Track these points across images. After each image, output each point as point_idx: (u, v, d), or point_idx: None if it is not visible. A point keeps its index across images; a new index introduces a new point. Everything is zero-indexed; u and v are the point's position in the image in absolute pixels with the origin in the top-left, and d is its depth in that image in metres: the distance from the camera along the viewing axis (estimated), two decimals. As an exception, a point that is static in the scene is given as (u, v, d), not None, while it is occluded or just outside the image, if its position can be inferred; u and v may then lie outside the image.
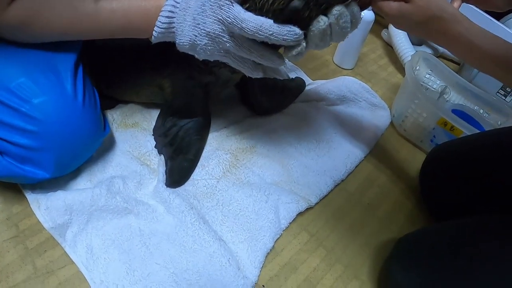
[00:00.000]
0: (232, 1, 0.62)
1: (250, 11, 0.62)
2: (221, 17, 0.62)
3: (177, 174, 0.84)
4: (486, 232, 0.70)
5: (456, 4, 0.75)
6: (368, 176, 0.99)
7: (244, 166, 0.90)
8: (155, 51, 0.72)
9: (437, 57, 1.49)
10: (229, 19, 0.61)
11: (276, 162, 0.92)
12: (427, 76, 1.23)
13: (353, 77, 1.28)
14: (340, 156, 0.98)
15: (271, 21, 0.60)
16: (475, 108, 1.19)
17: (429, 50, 1.47)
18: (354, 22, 0.64)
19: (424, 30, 0.68)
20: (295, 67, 1.24)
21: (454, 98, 1.21)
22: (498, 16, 1.35)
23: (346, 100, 1.14)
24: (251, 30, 0.60)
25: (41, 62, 0.72)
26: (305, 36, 0.62)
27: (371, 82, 1.30)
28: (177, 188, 0.83)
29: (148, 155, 0.89)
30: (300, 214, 0.86)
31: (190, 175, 0.86)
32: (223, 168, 0.88)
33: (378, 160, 1.04)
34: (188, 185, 0.85)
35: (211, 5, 0.63)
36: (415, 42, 1.44)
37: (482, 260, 0.64)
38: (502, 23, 1.35)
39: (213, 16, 0.63)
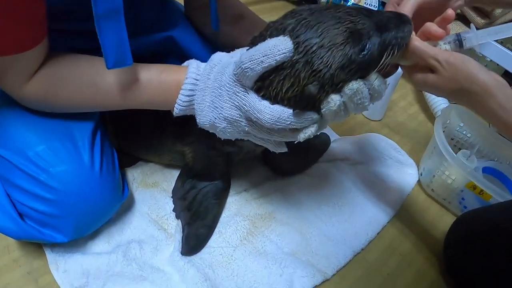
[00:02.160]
0: (247, 88, 0.61)
1: (265, 99, 0.61)
2: (237, 104, 0.62)
3: (194, 241, 0.84)
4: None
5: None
6: (391, 243, 0.96)
7: (261, 234, 0.89)
8: (178, 120, 0.72)
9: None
10: (245, 107, 0.61)
11: (295, 230, 0.91)
12: (458, 129, 1.19)
13: (381, 128, 1.25)
14: (362, 222, 0.96)
15: (288, 112, 0.59)
16: (508, 163, 1.15)
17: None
18: (377, 96, 0.61)
19: (456, 100, 0.63)
20: (320, 122, 1.21)
21: (486, 151, 1.16)
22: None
23: (371, 158, 1.11)
24: (268, 122, 0.60)
25: (59, 129, 0.73)
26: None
27: (400, 135, 1.27)
28: (192, 256, 0.83)
29: (166, 218, 0.89)
30: (316, 286, 0.83)
31: (207, 242, 0.85)
32: (240, 236, 0.87)
33: (402, 224, 1.00)
34: (204, 253, 0.84)
35: (227, 90, 0.63)
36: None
37: None
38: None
39: (229, 101, 0.63)
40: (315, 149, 1.08)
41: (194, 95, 0.67)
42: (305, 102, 0.59)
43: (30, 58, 0.62)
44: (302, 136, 0.61)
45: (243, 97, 0.61)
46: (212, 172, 0.90)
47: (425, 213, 1.05)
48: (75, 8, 0.69)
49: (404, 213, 1.03)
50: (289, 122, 0.60)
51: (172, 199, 0.91)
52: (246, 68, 0.58)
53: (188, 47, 0.91)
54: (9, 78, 0.64)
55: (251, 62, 0.57)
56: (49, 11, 0.61)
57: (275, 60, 0.56)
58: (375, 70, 0.59)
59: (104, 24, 0.58)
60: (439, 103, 1.28)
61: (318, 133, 1.10)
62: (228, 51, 0.69)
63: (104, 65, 0.64)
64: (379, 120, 1.31)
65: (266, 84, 0.60)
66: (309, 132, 0.61)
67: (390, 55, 0.59)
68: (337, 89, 0.58)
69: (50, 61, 0.66)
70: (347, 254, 0.89)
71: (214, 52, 0.71)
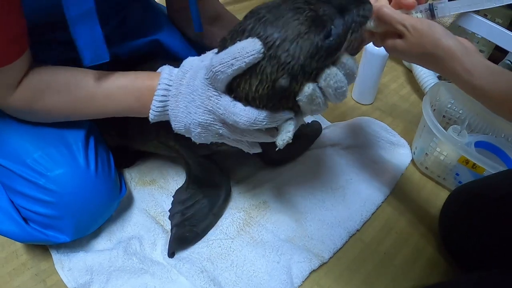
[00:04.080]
0: (220, 92, 0.62)
1: (237, 100, 0.61)
2: (211, 108, 0.63)
3: (176, 244, 0.84)
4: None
5: None
6: (386, 222, 0.97)
7: (257, 223, 0.91)
8: (158, 125, 0.73)
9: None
10: (219, 111, 0.62)
11: (290, 217, 0.93)
12: (449, 106, 1.19)
13: (372, 112, 1.26)
14: (356, 204, 0.97)
15: (263, 114, 0.60)
16: (502, 135, 1.15)
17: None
18: (351, 74, 0.60)
19: (424, 65, 0.66)
20: (311, 109, 1.22)
21: (480, 126, 1.17)
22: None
23: (363, 141, 1.12)
24: (244, 124, 0.60)
25: (53, 136, 0.77)
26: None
27: (392, 116, 1.27)
28: (189, 250, 0.85)
29: (162, 215, 0.92)
30: (313, 270, 0.85)
31: (189, 246, 0.86)
32: (237, 227, 0.90)
33: (397, 202, 1.02)
34: (202, 247, 0.86)
35: (200, 95, 0.64)
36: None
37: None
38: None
39: (203, 106, 0.64)
40: (307, 137, 1.09)
41: (168, 100, 0.68)
42: (278, 96, 0.59)
43: (13, 70, 0.65)
44: (281, 144, 0.61)
45: (217, 100, 0.62)
46: (209, 176, 0.92)
47: (421, 191, 1.06)
48: (55, 19, 0.72)
49: (399, 193, 1.04)
50: (264, 123, 0.60)
51: (172, 197, 0.93)
52: (217, 72, 0.58)
53: (174, 49, 0.92)
54: None
55: (222, 65, 0.58)
56: (31, 24, 0.64)
57: (245, 62, 0.56)
58: (342, 50, 0.60)
59: (78, 25, 0.61)
60: (428, 82, 1.28)
61: (305, 123, 1.11)
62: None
63: (83, 74, 0.69)
64: (370, 104, 1.32)
65: (234, 85, 0.60)
66: (286, 137, 0.61)
67: (353, 34, 0.60)
68: (311, 78, 0.58)
69: (33, 72, 0.69)
70: (342, 236, 0.91)
71: (198, 52, 0.72)
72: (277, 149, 0.62)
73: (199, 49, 0.92)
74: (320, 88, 0.59)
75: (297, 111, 0.62)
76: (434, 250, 0.93)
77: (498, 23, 1.30)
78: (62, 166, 0.74)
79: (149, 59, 0.93)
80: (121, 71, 0.73)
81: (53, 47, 0.78)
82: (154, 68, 0.72)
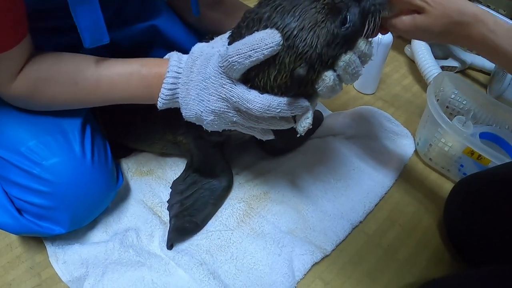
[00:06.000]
0: (234, 80, 0.61)
1: (253, 89, 0.61)
2: (224, 96, 0.62)
3: (176, 234, 0.83)
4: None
5: None
6: (390, 214, 0.95)
7: (258, 214, 0.89)
8: (167, 111, 0.72)
9: (465, 69, 1.43)
10: (233, 98, 0.61)
11: (291, 208, 0.90)
12: (453, 96, 1.17)
13: (375, 102, 1.24)
14: (358, 195, 0.95)
15: (278, 100, 0.60)
16: (506, 127, 1.13)
17: (456, 63, 1.39)
18: (367, 59, 0.62)
19: (445, 38, 0.65)
20: (312, 98, 1.20)
21: (484, 117, 1.15)
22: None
23: (365, 131, 1.10)
24: (258, 111, 0.60)
25: (49, 124, 0.74)
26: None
27: (394, 106, 1.25)
28: (188, 242, 0.83)
29: (160, 206, 0.90)
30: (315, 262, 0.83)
31: (189, 237, 0.84)
32: (237, 218, 0.87)
33: (401, 195, 1.00)
34: (201, 238, 0.84)
35: (213, 82, 0.62)
36: (440, 56, 1.38)
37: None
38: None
39: (216, 94, 0.63)
40: (308, 126, 1.07)
41: (177, 88, 0.67)
42: (296, 85, 0.59)
43: (12, 57, 0.63)
44: (301, 130, 0.62)
45: (231, 88, 0.61)
46: (212, 166, 0.90)
47: (424, 183, 1.05)
48: (54, 6, 0.69)
49: (402, 184, 1.02)
50: (279, 110, 0.60)
51: (170, 188, 0.91)
52: (234, 62, 0.58)
53: (172, 35, 0.90)
54: None
55: (239, 56, 0.57)
56: (32, 10, 0.62)
57: (263, 54, 0.56)
58: (362, 38, 0.60)
59: (79, 8, 0.60)
60: (432, 72, 1.26)
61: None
62: (207, 40, 0.69)
63: (86, 62, 0.67)
64: (373, 94, 1.30)
65: (252, 75, 0.60)
66: (306, 123, 0.62)
67: (372, 22, 0.60)
68: (328, 66, 0.59)
69: (34, 60, 0.67)
70: (345, 228, 0.89)
71: (197, 38, 0.71)
72: (298, 135, 0.63)
73: (199, 35, 0.90)
74: (338, 75, 0.60)
75: (312, 94, 0.62)
76: (438, 243, 0.92)
77: (501, 14, 1.29)
78: (57, 155, 0.72)
79: (146, 46, 0.91)
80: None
81: (53, 34, 0.76)
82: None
